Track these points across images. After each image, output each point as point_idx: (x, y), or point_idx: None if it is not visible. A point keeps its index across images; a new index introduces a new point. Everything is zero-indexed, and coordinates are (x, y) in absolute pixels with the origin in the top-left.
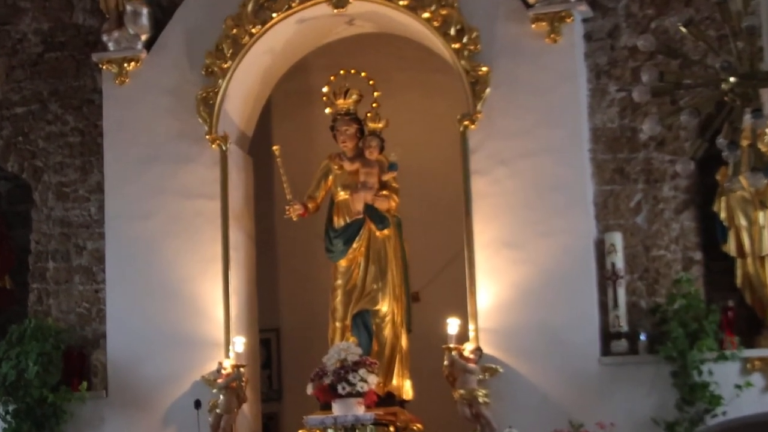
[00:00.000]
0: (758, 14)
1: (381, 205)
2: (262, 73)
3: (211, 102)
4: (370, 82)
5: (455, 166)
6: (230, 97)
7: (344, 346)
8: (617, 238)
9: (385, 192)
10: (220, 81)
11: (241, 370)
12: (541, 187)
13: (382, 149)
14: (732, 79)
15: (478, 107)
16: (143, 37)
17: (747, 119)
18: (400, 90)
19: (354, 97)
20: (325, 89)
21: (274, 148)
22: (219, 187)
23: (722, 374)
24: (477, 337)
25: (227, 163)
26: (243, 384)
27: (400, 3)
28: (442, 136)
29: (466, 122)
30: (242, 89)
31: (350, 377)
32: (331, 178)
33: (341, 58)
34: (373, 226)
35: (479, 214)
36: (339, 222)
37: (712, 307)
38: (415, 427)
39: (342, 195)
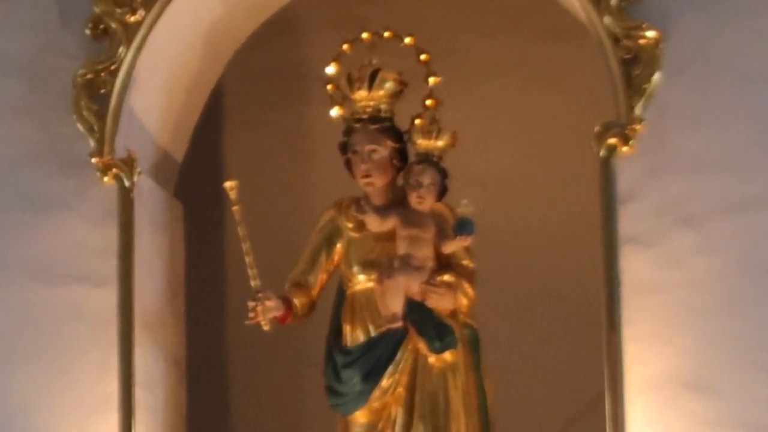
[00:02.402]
0: None
1: (440, 303)
2: (204, 37)
3: (102, 92)
4: (422, 58)
5: (587, 226)
6: (142, 85)
7: None
8: None
9: (447, 277)
10: (121, 50)
11: None
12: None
13: (443, 192)
14: None
15: (637, 110)
16: None
17: None
18: (479, 76)
19: (389, 85)
20: (331, 69)
21: (228, 184)
22: (115, 262)
23: None
24: None
25: (132, 214)
26: None
27: None
28: (559, 167)
29: (611, 140)
30: (166, 69)
31: None
32: (339, 246)
33: (362, 10)
34: (422, 345)
35: (634, 324)
36: (354, 334)
37: None
38: None
39: (361, 281)
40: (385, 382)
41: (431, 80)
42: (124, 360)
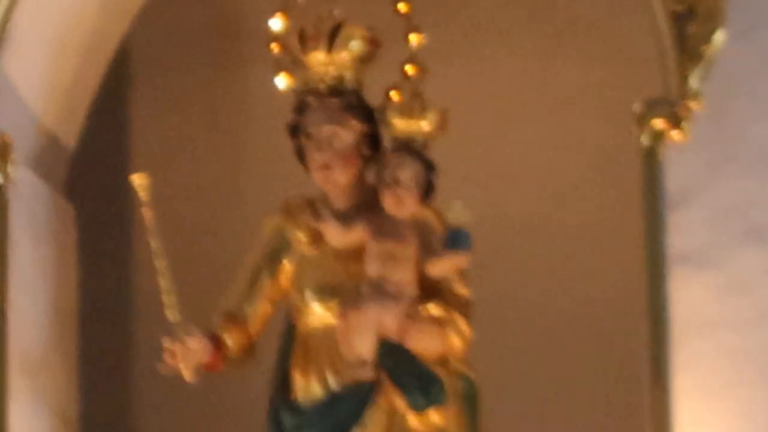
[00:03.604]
0: None
1: (424, 344)
2: None
3: None
4: (400, 8)
5: (625, 240)
6: (18, 45)
7: None
8: None
9: (434, 309)
10: None
11: None
12: None
13: (429, 192)
14: None
15: (693, 82)
16: None
17: None
18: (480, 34)
19: (355, 45)
20: (276, 24)
21: (135, 179)
22: None
23: None
24: None
25: (6, 219)
26: None
27: None
28: (587, 160)
29: (657, 123)
30: (51, 24)
31: None
32: (287, 265)
33: None
34: (400, 401)
35: (687, 373)
36: (308, 387)
37: None
38: None
39: (317, 313)
40: None
41: (413, 39)
42: None
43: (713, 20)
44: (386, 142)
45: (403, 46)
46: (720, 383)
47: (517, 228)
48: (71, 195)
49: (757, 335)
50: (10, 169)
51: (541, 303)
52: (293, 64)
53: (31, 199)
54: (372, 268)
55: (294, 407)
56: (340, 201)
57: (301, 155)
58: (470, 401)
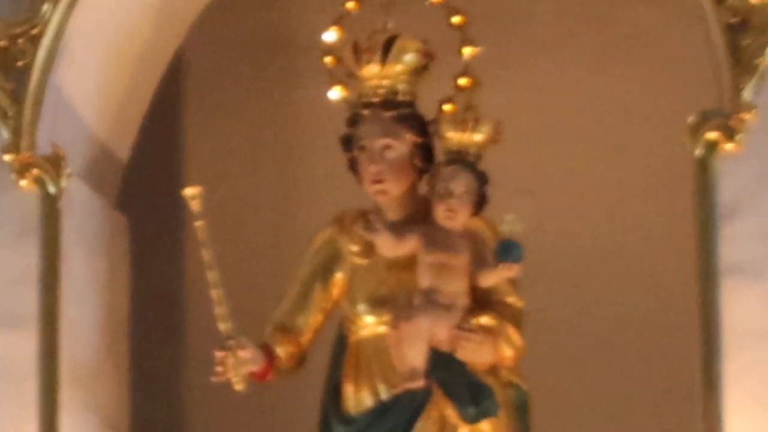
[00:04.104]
0: None
1: (475, 355)
2: None
3: (19, 65)
4: (455, 20)
5: (677, 251)
6: (74, 57)
7: None
8: None
9: (486, 320)
10: (46, 8)
11: None
12: None
13: (481, 204)
14: None
15: (747, 94)
16: None
17: None
18: (533, 47)
19: (409, 58)
20: (330, 36)
21: (188, 192)
22: (35, 294)
23: None
24: None
25: (59, 230)
26: None
27: None
28: (640, 171)
29: (710, 135)
30: (106, 36)
31: None
32: (340, 277)
33: None
34: (451, 411)
35: (740, 384)
36: (359, 397)
37: None
38: None
39: (369, 324)
40: None
41: (467, 52)
42: (46, 427)
43: (767, 33)
44: (439, 154)
45: (456, 58)
46: None
47: (569, 239)
48: (124, 207)
49: None
50: (63, 181)
51: (593, 313)
52: (347, 77)
53: (84, 211)
54: (424, 279)
55: (345, 417)
56: (393, 212)
57: (354, 167)
58: (522, 411)
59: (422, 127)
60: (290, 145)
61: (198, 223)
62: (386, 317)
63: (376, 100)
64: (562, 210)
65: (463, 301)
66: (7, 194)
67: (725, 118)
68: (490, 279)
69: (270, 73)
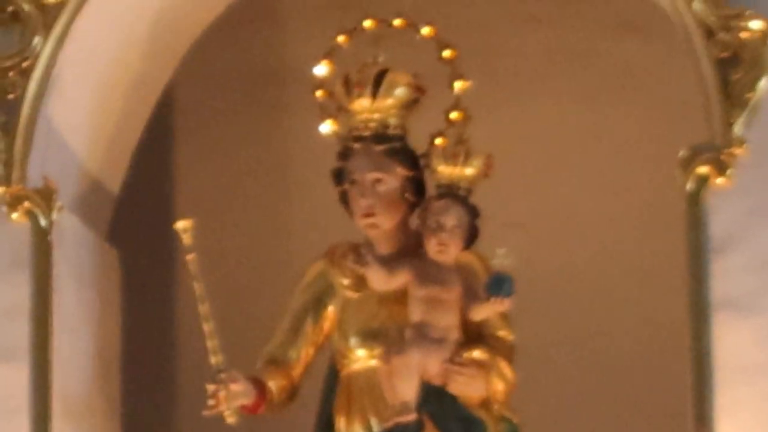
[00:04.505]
0: None
1: (467, 388)
2: (149, 26)
3: (10, 97)
4: (445, 55)
5: (668, 285)
6: (64, 89)
7: None
8: None
9: (477, 354)
10: (36, 41)
11: None
12: None
13: (473, 238)
14: None
15: (738, 129)
16: None
17: None
18: (523, 81)
19: (400, 92)
20: (321, 70)
21: (180, 225)
22: (27, 327)
23: None
24: None
25: (50, 263)
26: None
27: None
28: (630, 205)
29: (701, 169)
30: (97, 68)
31: None
32: (331, 310)
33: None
34: None
35: (732, 419)
36: (351, 430)
37: None
38: None
39: (360, 358)
40: None
41: (458, 86)
42: None
43: (758, 67)
44: (430, 187)
45: (447, 92)
46: (763, 428)
47: (560, 273)
48: (115, 240)
49: None
50: (54, 213)
51: (584, 347)
52: (338, 110)
53: (75, 244)
54: (415, 312)
55: None
56: (384, 246)
57: (345, 201)
58: None
59: (413, 161)
60: (281, 178)
61: (189, 256)
62: (377, 351)
63: (366, 133)
64: (553, 244)
65: (455, 334)
66: None
67: (716, 153)
68: (481, 313)
69: (261, 106)
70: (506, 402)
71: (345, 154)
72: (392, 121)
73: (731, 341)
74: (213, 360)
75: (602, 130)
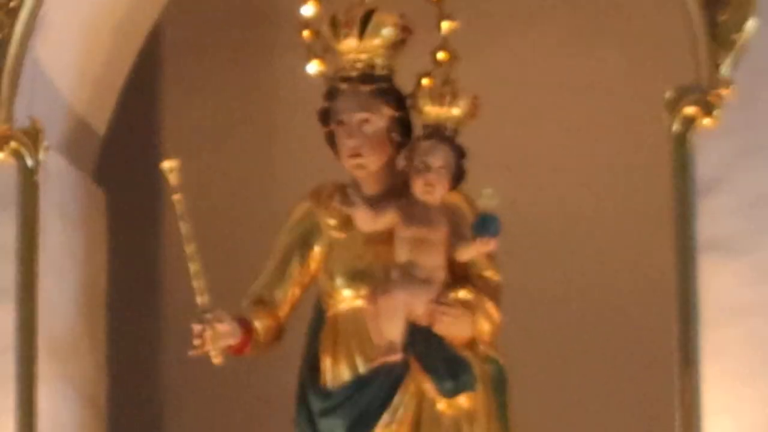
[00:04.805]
0: None
1: (453, 328)
2: None
3: None
4: None
5: (654, 226)
6: (51, 29)
7: None
8: None
9: (463, 294)
10: None
11: None
12: None
13: (459, 178)
14: None
15: (724, 69)
16: None
17: None
18: (510, 21)
19: (387, 32)
20: (308, 10)
21: (166, 165)
22: (13, 268)
23: None
24: None
25: (37, 203)
26: None
27: None
28: (616, 146)
29: (688, 110)
30: (83, 8)
31: None
32: (317, 250)
33: None
34: (429, 385)
35: (717, 360)
36: (336, 370)
37: None
38: None
39: (346, 298)
40: None
41: (445, 26)
42: (24, 399)
43: (745, 8)
44: (417, 128)
45: (434, 33)
46: (749, 370)
47: (546, 214)
48: (101, 180)
49: None
50: (41, 154)
51: (570, 289)
52: (325, 51)
53: (62, 184)
54: (402, 253)
55: (323, 391)
56: (371, 187)
57: (331, 141)
58: (499, 385)
59: (400, 102)
60: (268, 118)
61: (175, 196)
62: (364, 291)
63: (353, 74)
64: (538, 184)
65: (441, 275)
66: None
67: (703, 94)
68: (467, 253)
69: (247, 47)
70: (492, 342)
71: (332, 94)
72: (379, 61)
73: (717, 282)
74: (199, 300)
75: (588, 71)
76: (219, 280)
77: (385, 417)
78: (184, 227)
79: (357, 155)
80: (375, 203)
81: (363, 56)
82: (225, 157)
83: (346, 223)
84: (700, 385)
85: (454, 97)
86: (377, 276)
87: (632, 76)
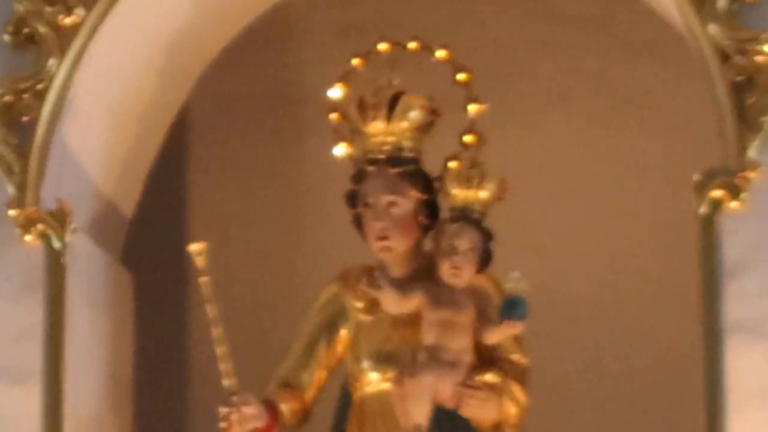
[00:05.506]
0: None
1: (480, 412)
2: (163, 48)
3: (24, 120)
4: (460, 78)
5: (682, 309)
6: (79, 112)
7: None
8: None
9: (490, 377)
10: (51, 63)
11: None
12: None
13: (486, 261)
14: None
15: (752, 152)
16: None
17: None
18: (538, 104)
19: (414, 114)
20: (336, 93)
21: (193, 248)
22: (40, 350)
23: None
24: None
25: (63, 285)
26: None
27: None
28: (644, 229)
29: (715, 192)
30: (111, 91)
31: None
32: (344, 333)
33: (378, 12)
34: None
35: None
36: None
37: None
38: None
39: (373, 381)
40: None
41: (472, 108)
42: None
43: None
44: (444, 211)
45: (462, 115)
46: None
47: (574, 296)
48: (129, 263)
49: None
50: (68, 236)
51: (598, 370)
52: (352, 133)
53: (89, 267)
54: (428, 335)
55: None
56: (398, 269)
57: (358, 224)
58: None
59: (427, 184)
60: (295, 201)
61: (202, 279)
62: (390, 374)
63: (381, 156)
64: (566, 267)
65: (468, 358)
66: (12, 249)
67: (730, 176)
68: (494, 336)
69: (275, 130)
70: (519, 426)
71: (359, 176)
72: (407, 143)
73: (744, 365)
74: (225, 383)
75: (616, 153)
76: (245, 362)
77: None
78: (210, 310)
79: (384, 238)
80: (402, 286)
81: (390, 139)
82: (252, 239)
83: (373, 306)
84: None
85: (482, 180)
86: (404, 359)
87: (660, 158)
